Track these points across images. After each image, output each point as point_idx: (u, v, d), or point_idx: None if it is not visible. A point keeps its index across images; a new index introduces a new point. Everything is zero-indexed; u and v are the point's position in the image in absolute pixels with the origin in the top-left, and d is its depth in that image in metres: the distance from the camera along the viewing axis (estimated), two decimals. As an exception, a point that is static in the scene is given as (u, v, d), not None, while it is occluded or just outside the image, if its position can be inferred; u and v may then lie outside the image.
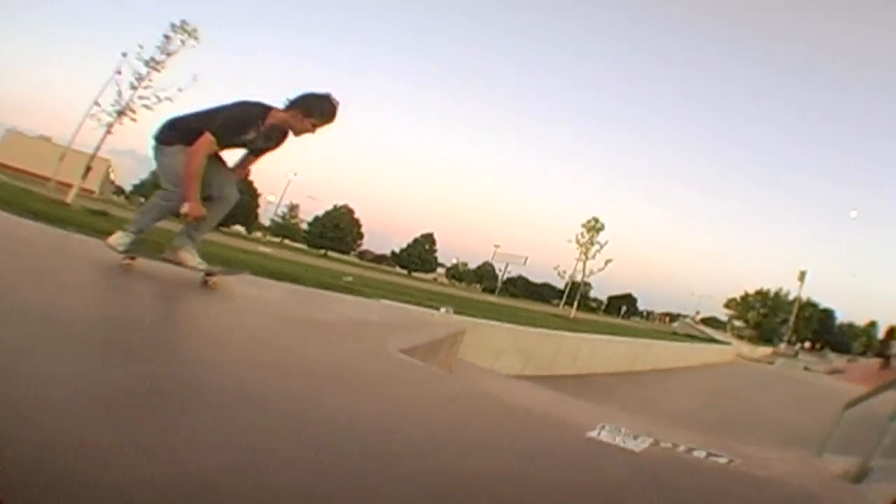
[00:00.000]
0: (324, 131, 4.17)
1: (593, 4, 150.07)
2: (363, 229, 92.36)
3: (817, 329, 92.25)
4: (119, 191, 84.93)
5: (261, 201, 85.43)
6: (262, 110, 4.05)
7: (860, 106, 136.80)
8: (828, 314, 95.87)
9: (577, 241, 60.54)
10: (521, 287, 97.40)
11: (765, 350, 55.00)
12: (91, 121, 26.38)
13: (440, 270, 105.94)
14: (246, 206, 78.20)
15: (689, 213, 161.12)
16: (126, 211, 18.93)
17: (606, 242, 60.38)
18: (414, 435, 1.99)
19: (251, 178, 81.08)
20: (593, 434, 2.43)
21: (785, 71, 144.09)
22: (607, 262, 60.68)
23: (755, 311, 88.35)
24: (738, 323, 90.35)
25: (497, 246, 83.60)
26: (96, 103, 25.79)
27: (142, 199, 75.09)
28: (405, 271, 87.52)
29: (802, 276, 67.59)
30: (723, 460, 2.44)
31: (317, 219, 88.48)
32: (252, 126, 4.01)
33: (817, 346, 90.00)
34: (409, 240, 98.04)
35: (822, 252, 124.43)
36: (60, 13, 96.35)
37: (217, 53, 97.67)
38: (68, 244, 5.09)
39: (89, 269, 4.07)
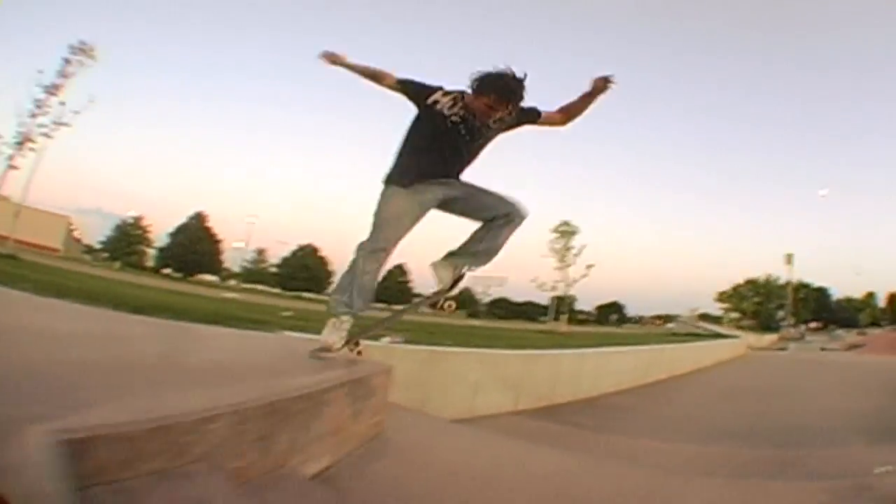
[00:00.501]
0: (506, 114, 3.60)
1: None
2: (333, 267, 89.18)
3: (815, 308, 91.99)
4: (89, 249, 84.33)
5: (224, 247, 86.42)
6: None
7: (819, 87, 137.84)
8: (822, 292, 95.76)
9: (552, 249, 59.17)
10: (505, 308, 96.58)
11: (771, 337, 53.84)
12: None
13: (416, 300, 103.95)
14: (208, 252, 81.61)
15: (664, 211, 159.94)
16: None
17: (584, 246, 59.15)
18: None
19: (211, 224, 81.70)
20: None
21: (745, 54, 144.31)
22: (589, 266, 59.41)
23: (749, 301, 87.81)
24: (734, 315, 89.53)
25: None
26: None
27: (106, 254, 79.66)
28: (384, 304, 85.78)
29: (790, 258, 67.39)
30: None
31: (285, 261, 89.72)
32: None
33: (822, 325, 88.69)
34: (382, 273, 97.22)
35: (802, 233, 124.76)
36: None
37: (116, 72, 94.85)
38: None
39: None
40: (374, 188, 3.72)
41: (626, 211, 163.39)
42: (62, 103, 26.62)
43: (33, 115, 24.53)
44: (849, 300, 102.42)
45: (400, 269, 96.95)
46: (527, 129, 3.80)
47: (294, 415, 2.46)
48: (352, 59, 3.78)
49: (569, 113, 3.80)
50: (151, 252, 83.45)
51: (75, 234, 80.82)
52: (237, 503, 1.84)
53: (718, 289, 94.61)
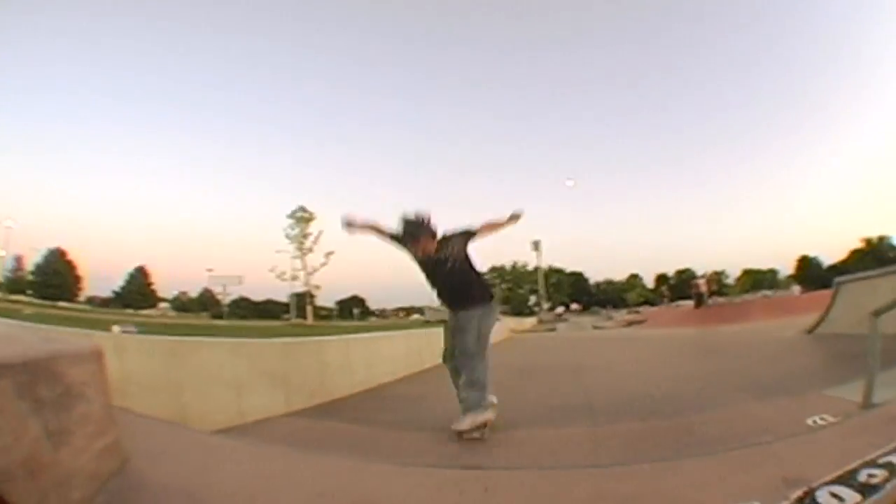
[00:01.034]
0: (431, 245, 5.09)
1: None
2: (81, 272, 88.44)
3: (572, 292, 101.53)
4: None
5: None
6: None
7: (567, 81, 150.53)
8: (578, 276, 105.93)
9: (288, 237, 57.94)
10: (246, 308, 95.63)
11: (531, 321, 57.19)
12: None
13: (164, 305, 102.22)
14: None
15: (401, 197, 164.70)
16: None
17: (321, 232, 58.62)
18: None
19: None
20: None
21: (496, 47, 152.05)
22: (328, 254, 59.08)
23: (498, 287, 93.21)
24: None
25: (210, 270, 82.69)
26: None
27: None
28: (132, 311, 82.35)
29: (537, 245, 71.94)
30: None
31: (38, 267, 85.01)
32: None
33: (583, 307, 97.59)
34: (125, 276, 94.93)
35: (553, 222, 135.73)
36: None
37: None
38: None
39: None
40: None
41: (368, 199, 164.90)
42: None
43: None
44: (609, 282, 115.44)
45: (141, 272, 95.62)
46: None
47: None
48: (366, 223, 5.40)
49: (491, 227, 5.33)
50: None
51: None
52: None
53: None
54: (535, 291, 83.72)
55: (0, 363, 1.70)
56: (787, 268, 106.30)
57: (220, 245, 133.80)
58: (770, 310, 26.49)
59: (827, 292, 14.05)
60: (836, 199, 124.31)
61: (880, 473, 2.36)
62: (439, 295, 5.39)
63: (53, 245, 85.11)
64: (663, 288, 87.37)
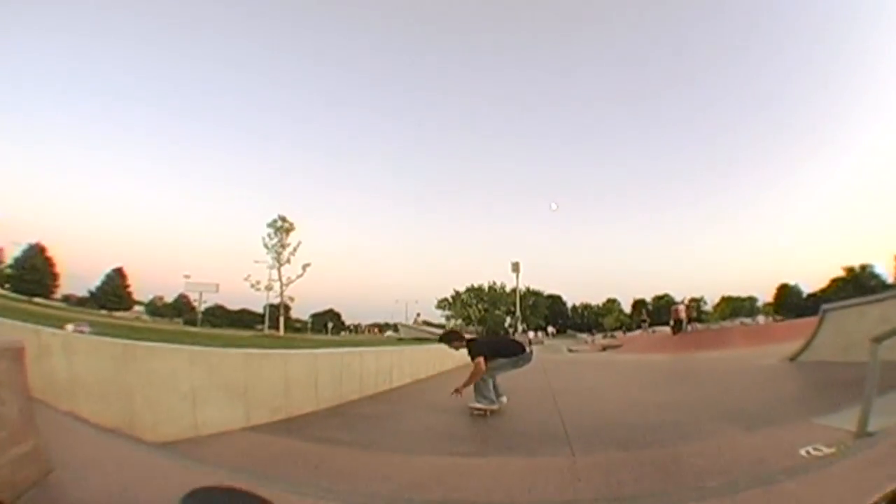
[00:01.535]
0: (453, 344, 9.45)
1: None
2: (59, 269, 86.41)
3: (549, 315, 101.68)
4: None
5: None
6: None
7: (550, 107, 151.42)
8: (556, 299, 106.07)
9: (266, 246, 57.48)
10: (221, 316, 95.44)
11: (504, 343, 56.58)
12: None
13: (139, 308, 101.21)
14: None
15: (383, 213, 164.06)
16: None
17: (300, 244, 58.23)
18: None
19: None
20: None
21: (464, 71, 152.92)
22: (305, 266, 58.60)
23: (475, 308, 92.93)
24: (458, 321, 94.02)
25: (187, 276, 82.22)
26: None
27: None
28: (106, 311, 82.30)
29: (516, 266, 71.80)
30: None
31: (16, 261, 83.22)
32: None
33: (559, 330, 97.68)
34: (101, 276, 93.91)
35: (532, 244, 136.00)
36: None
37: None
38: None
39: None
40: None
41: (346, 217, 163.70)
42: None
43: None
44: (586, 306, 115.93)
45: (119, 273, 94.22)
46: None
47: None
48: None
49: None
50: None
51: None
52: None
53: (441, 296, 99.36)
54: (511, 313, 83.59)
55: None
56: (766, 296, 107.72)
57: (199, 252, 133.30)
58: (750, 337, 26.50)
59: (806, 320, 13.97)
60: (817, 227, 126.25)
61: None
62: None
63: (34, 240, 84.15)
64: (644, 312, 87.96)
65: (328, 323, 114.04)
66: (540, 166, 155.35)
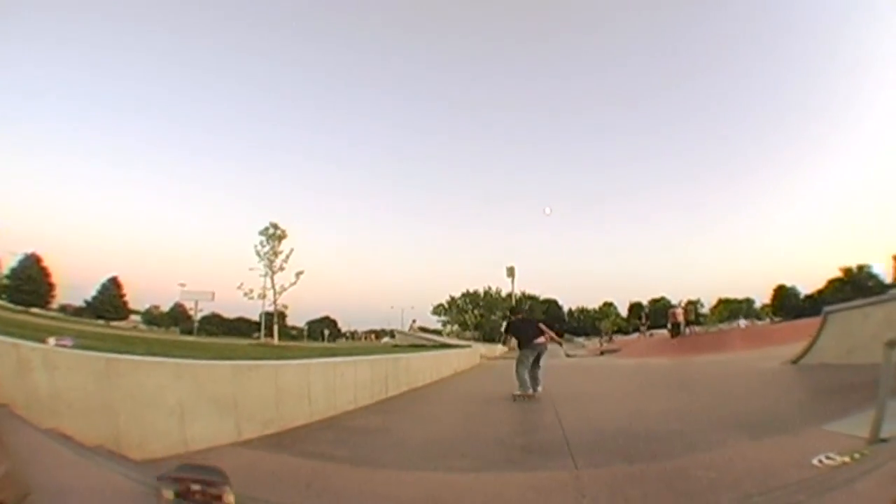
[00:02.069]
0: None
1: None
2: (55, 279, 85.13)
3: (544, 319, 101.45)
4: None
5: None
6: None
7: (544, 112, 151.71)
8: (553, 304, 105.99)
9: (258, 253, 57.18)
10: (217, 325, 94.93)
11: (502, 347, 56.54)
12: None
13: (136, 318, 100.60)
14: None
15: (382, 224, 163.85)
16: None
17: (292, 251, 57.93)
18: None
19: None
20: None
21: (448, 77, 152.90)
22: (298, 274, 58.26)
23: (471, 313, 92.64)
24: (454, 327, 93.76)
25: (182, 285, 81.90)
26: None
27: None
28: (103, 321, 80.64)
29: (511, 271, 71.66)
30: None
31: (13, 271, 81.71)
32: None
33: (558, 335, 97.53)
34: (97, 286, 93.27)
35: (527, 248, 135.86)
36: None
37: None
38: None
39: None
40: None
41: (341, 224, 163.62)
42: None
43: None
44: (582, 310, 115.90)
45: (114, 283, 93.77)
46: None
47: None
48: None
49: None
50: None
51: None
52: None
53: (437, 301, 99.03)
54: (507, 318, 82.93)
55: None
56: (763, 297, 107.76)
57: (195, 260, 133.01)
58: (749, 339, 26.40)
59: (805, 322, 13.85)
60: (814, 228, 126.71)
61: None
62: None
63: (30, 249, 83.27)
64: (643, 315, 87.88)
65: (325, 330, 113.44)
66: (534, 170, 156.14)
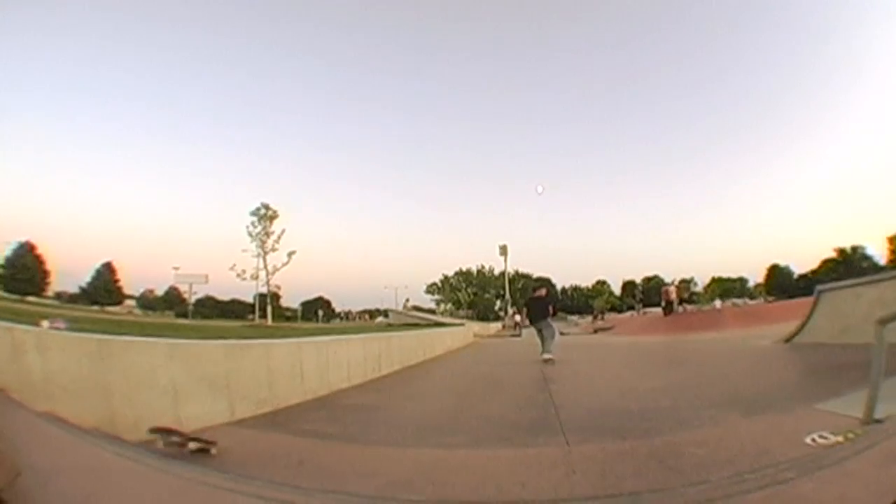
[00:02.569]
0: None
1: None
2: (50, 266, 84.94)
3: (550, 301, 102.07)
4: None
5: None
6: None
7: (537, 90, 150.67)
8: (545, 282, 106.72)
9: (250, 234, 57.09)
10: (211, 307, 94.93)
11: (496, 326, 56.79)
12: None
13: (130, 302, 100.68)
14: None
15: (374, 204, 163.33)
16: None
17: (283, 231, 57.84)
18: None
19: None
20: None
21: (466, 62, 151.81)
22: (290, 254, 58.26)
23: (464, 292, 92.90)
24: (448, 306, 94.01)
25: (176, 268, 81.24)
26: None
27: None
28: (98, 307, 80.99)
29: (504, 250, 71.76)
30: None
31: (7, 261, 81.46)
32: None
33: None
34: (91, 272, 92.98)
35: (520, 227, 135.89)
36: None
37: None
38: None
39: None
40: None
41: (333, 204, 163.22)
42: None
43: None
44: (576, 288, 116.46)
45: (108, 268, 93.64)
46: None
47: None
48: None
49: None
50: None
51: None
52: None
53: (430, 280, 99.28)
54: (500, 296, 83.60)
55: None
56: (756, 276, 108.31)
57: (188, 243, 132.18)
58: (741, 318, 26.54)
59: (798, 301, 13.92)
60: (808, 208, 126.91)
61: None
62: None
63: (23, 238, 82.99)
64: (637, 293, 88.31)
65: (318, 311, 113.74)
66: (526, 149, 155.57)
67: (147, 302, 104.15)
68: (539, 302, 15.15)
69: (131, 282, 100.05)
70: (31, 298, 71.10)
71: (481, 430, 6.09)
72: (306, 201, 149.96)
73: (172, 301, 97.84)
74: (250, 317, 71.44)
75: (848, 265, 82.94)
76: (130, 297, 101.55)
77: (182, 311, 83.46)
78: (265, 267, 57.34)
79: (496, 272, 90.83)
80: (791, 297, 52.64)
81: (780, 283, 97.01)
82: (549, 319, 14.68)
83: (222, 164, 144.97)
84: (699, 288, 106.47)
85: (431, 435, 6.01)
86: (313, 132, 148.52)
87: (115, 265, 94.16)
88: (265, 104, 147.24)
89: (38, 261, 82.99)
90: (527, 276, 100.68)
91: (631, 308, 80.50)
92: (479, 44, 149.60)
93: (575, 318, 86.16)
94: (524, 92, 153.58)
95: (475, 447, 5.23)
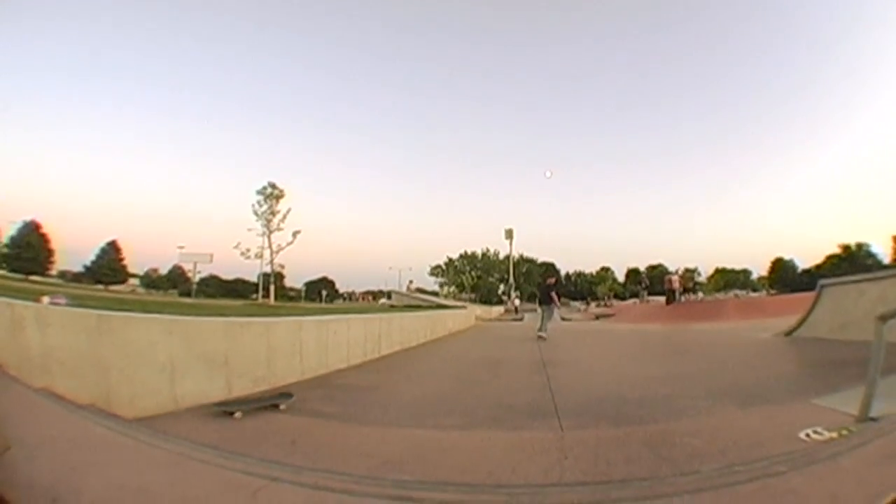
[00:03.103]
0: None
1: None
2: (54, 245, 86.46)
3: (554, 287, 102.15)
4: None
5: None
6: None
7: (547, 77, 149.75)
8: (549, 267, 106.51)
9: (255, 213, 57.02)
10: (215, 286, 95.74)
11: (498, 309, 56.64)
12: None
13: (134, 281, 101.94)
14: None
15: (381, 186, 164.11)
16: None
17: (289, 210, 57.79)
18: None
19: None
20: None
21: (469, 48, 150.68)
22: (295, 233, 58.26)
23: (468, 274, 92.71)
24: (451, 288, 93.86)
25: (181, 247, 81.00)
26: None
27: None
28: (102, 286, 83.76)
29: (510, 234, 71.46)
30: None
31: (12, 240, 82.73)
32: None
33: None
34: (96, 251, 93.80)
35: (526, 211, 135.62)
36: None
37: None
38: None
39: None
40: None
41: (340, 185, 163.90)
42: None
43: None
44: (580, 275, 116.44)
45: (113, 247, 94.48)
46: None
47: None
48: None
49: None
50: None
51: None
52: None
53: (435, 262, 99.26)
54: (504, 280, 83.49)
55: None
56: (760, 269, 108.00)
57: (194, 222, 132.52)
58: (743, 310, 26.42)
59: (800, 296, 13.84)
60: (815, 203, 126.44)
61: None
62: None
63: (28, 217, 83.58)
64: (642, 281, 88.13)
65: (322, 291, 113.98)
66: (535, 134, 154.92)
67: (150, 281, 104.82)
68: (546, 288, 18.06)
69: (136, 260, 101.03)
70: (34, 278, 71.62)
71: (477, 413, 6.09)
72: (313, 182, 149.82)
73: (176, 280, 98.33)
74: (253, 296, 71.58)
75: (852, 262, 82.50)
76: (134, 275, 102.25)
77: (186, 290, 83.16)
78: (269, 246, 57.32)
79: (501, 256, 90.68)
80: (793, 291, 52.49)
81: (783, 276, 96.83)
82: (553, 305, 17.75)
83: (229, 145, 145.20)
84: (703, 278, 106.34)
85: (427, 416, 6.00)
86: (321, 113, 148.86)
87: (120, 244, 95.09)
88: (273, 85, 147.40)
89: (44, 240, 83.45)
90: (531, 261, 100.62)
91: (634, 295, 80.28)
92: (492, 30, 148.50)
93: (578, 304, 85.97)
94: (536, 77, 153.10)
95: (470, 429, 5.23)
